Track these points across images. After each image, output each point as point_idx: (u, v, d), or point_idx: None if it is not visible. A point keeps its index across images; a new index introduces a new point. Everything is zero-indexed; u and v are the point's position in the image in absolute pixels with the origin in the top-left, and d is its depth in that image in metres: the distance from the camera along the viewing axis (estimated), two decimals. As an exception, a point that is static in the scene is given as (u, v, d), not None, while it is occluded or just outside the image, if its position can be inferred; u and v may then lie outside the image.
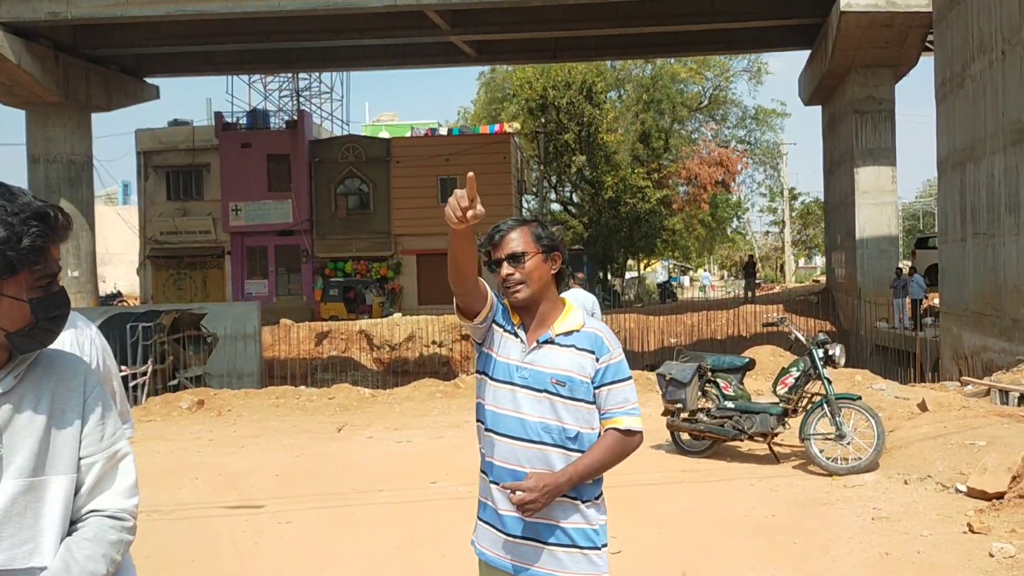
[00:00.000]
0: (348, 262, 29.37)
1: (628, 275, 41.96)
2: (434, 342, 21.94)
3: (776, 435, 6.45)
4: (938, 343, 14.01)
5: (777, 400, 6.45)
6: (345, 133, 32.68)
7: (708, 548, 4.55)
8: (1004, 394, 7.76)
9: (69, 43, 22.39)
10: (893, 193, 21.02)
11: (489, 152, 28.64)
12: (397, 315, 24.55)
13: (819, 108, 25.33)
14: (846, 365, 7.63)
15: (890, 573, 4.09)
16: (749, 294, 28.77)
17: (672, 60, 33.35)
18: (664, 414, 6.74)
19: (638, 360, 18.54)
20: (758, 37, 24.82)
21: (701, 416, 6.54)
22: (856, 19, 17.73)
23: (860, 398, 6.35)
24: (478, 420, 2.17)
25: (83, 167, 23.59)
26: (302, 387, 11.34)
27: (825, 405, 6.06)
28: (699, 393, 6.59)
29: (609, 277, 37.23)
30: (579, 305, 2.25)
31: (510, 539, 2.08)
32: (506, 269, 2.09)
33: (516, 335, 2.12)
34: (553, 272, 2.14)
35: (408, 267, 29.28)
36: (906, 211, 50.62)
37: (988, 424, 6.29)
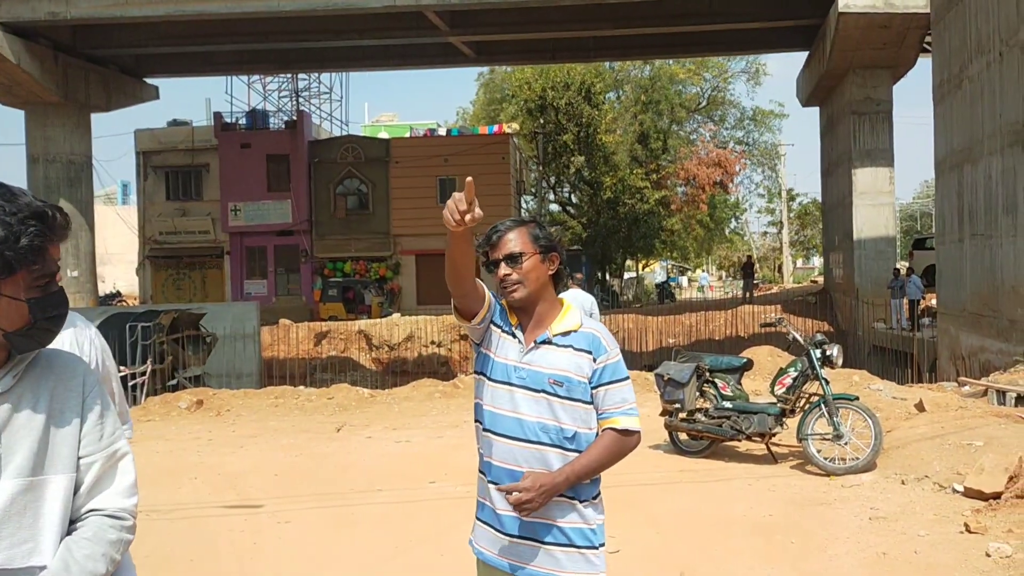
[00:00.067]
0: (347, 262, 29.38)
1: (626, 275, 41.99)
2: (433, 342, 21.95)
3: (774, 435, 6.47)
4: (935, 344, 14.03)
5: (775, 400, 6.46)
6: (344, 133, 32.68)
7: (706, 548, 4.56)
8: (1001, 394, 7.78)
9: (68, 43, 22.39)
10: (891, 194, 21.06)
11: (488, 153, 28.66)
12: (396, 315, 24.56)
13: (817, 109, 25.36)
14: (844, 365, 7.64)
15: (887, 573, 4.10)
16: (747, 295, 28.80)
17: (670, 61, 33.37)
18: (662, 414, 6.76)
19: (636, 360, 18.55)
20: (756, 38, 24.85)
21: (699, 416, 6.55)
22: (854, 20, 17.75)
23: (858, 398, 6.37)
24: (476, 420, 2.18)
25: (82, 167, 23.59)
26: (301, 387, 11.35)
27: (823, 405, 6.07)
28: (697, 393, 6.61)
29: (607, 277, 37.26)
30: (578, 305, 2.26)
31: (508, 538, 2.08)
32: (503, 269, 2.10)
33: (514, 335, 2.13)
34: (551, 272, 2.15)
35: (407, 267, 29.29)
36: (904, 212, 50.69)
37: (985, 424, 6.31)
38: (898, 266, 20.10)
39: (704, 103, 37.67)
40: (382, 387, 12.64)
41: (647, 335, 22.10)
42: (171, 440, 8.00)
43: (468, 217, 1.86)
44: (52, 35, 21.62)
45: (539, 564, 2.06)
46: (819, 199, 32.38)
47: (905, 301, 17.44)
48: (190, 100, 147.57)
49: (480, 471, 2.18)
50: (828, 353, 6.29)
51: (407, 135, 32.88)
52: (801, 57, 24.54)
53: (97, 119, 26.31)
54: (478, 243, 2.11)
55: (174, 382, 12.85)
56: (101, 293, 28.32)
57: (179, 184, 30.41)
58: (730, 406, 6.47)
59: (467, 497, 4.23)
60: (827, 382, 6.20)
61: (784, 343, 8.17)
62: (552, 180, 36.30)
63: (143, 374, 12.14)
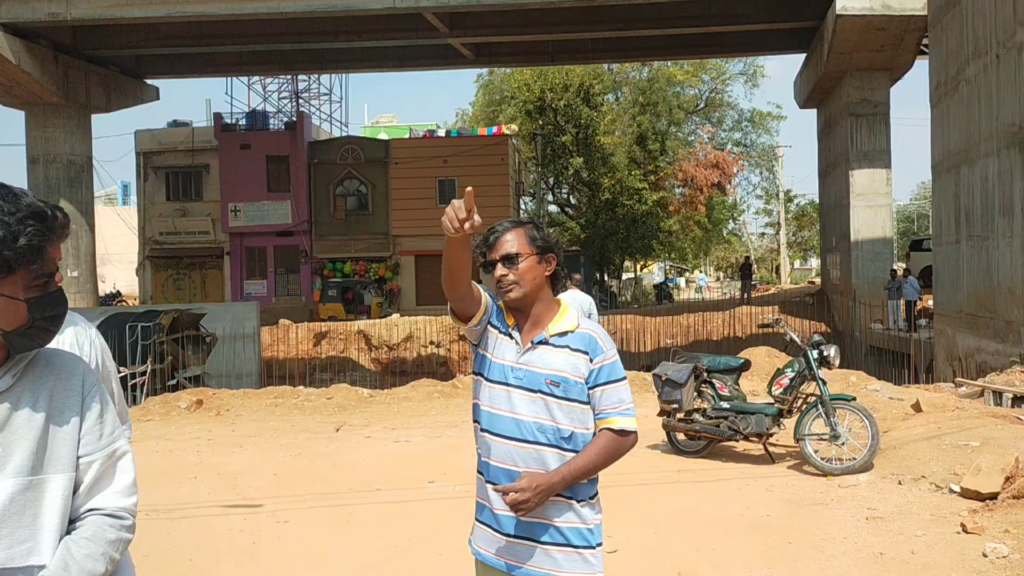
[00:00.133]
0: (347, 263, 29.39)
1: (625, 276, 42.01)
2: (432, 342, 21.96)
3: (771, 435, 6.49)
4: (932, 345, 14.06)
5: (772, 401, 6.48)
6: (344, 134, 32.71)
7: (703, 548, 4.57)
8: (998, 395, 7.81)
9: (69, 44, 22.39)
10: (888, 195, 21.10)
11: (487, 154, 28.69)
12: (395, 315, 24.57)
13: (815, 111, 25.40)
14: (841, 366, 7.67)
15: (884, 573, 4.12)
16: (745, 295, 28.82)
17: (669, 63, 33.41)
18: (660, 414, 6.77)
19: (635, 361, 18.57)
20: (754, 40, 24.89)
21: (697, 416, 6.57)
22: (852, 22, 17.79)
23: (855, 399, 6.39)
24: (475, 421, 2.19)
25: (83, 168, 23.59)
26: (300, 387, 11.36)
27: (820, 406, 6.09)
28: (695, 394, 6.62)
29: (606, 278, 37.27)
30: (576, 306, 2.29)
31: (505, 538, 2.09)
32: (500, 270, 2.12)
33: (511, 336, 2.14)
34: (547, 274, 2.16)
35: (406, 268, 29.31)
36: (901, 213, 50.73)
37: (982, 425, 6.33)
38: (895, 267, 20.14)
39: (702, 105, 37.72)
40: (381, 387, 12.64)
41: (645, 336, 22.13)
42: (171, 440, 8.01)
43: (467, 225, 1.89)
44: (52, 36, 21.63)
45: (536, 564, 2.07)
46: (816, 200, 32.42)
47: (902, 302, 17.48)
48: (190, 101, 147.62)
49: (478, 471, 2.19)
50: (825, 354, 6.31)
51: (406, 136, 32.90)
52: (799, 59, 24.59)
53: (97, 120, 26.35)
54: (476, 243, 2.12)
55: (174, 382, 12.86)
56: (101, 293, 28.32)
57: (179, 185, 30.42)
58: (728, 406, 6.49)
59: (466, 497, 4.25)
60: (824, 383, 6.22)
61: (782, 344, 8.19)
62: (551, 181, 36.33)
63: (143, 374, 12.15)
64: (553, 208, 38.16)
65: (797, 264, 58.71)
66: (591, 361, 2.10)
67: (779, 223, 45.25)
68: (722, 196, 38.64)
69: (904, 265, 21.81)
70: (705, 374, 6.67)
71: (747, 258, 36.06)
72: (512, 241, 2.12)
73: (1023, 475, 4.92)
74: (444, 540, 4.64)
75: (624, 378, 2.15)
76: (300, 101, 32.26)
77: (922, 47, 18.37)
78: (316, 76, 32.25)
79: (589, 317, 6.66)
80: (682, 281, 51.73)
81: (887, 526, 4.74)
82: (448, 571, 4.22)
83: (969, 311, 11.70)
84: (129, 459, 1.58)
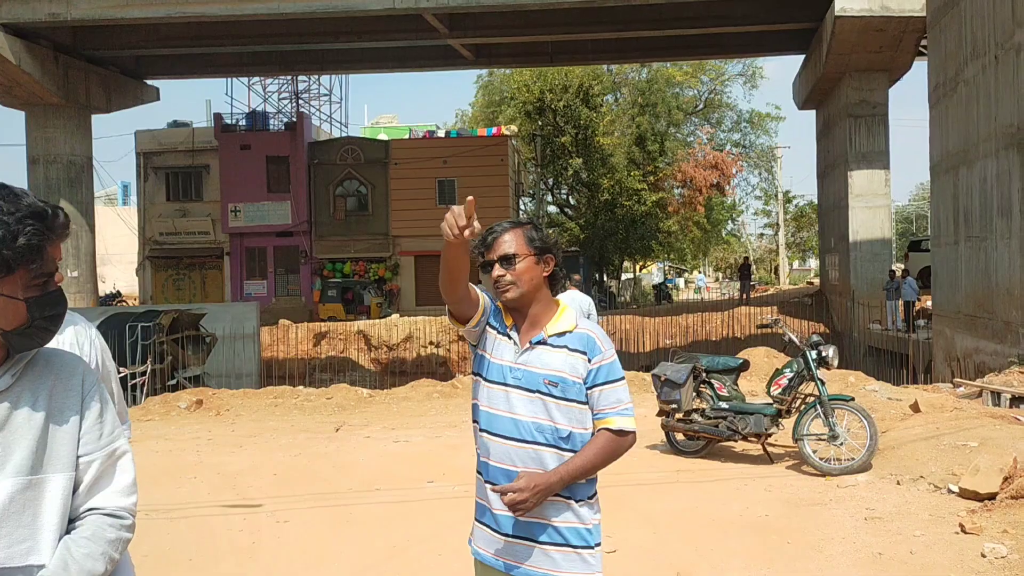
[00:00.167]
0: (346, 263, 29.41)
1: (624, 277, 42.02)
2: (432, 343, 21.97)
3: (770, 436, 6.50)
4: (931, 345, 14.07)
5: (771, 401, 6.49)
6: (344, 135, 32.72)
7: (702, 548, 4.58)
8: (996, 396, 7.82)
9: (69, 44, 22.40)
10: (886, 196, 21.12)
11: (487, 154, 28.71)
12: (395, 316, 24.58)
13: (813, 112, 25.42)
14: (839, 367, 7.67)
15: (883, 573, 4.12)
16: (744, 296, 28.84)
17: (668, 64, 33.44)
18: (659, 414, 6.78)
19: (634, 361, 18.58)
20: (753, 41, 24.92)
21: (696, 417, 6.58)
22: (850, 24, 17.81)
23: (853, 399, 6.39)
24: (474, 421, 2.20)
25: (83, 168, 23.60)
26: (300, 387, 11.37)
27: (818, 406, 6.10)
28: (694, 394, 6.63)
29: (605, 279, 37.29)
30: (575, 307, 2.30)
31: (503, 538, 2.10)
32: (497, 270, 2.12)
33: (509, 336, 2.15)
34: (545, 274, 2.16)
35: (406, 268, 29.32)
36: (899, 214, 50.73)
37: (980, 425, 6.34)
38: (894, 268, 20.15)
39: (701, 106, 37.75)
40: (381, 387, 12.66)
41: (644, 336, 22.14)
42: (170, 440, 8.02)
43: (467, 232, 1.91)
44: (53, 36, 21.64)
45: (534, 564, 2.07)
46: (815, 201, 32.45)
47: (900, 303, 17.49)
48: (190, 101, 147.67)
49: (477, 471, 2.19)
50: (824, 354, 6.32)
51: (406, 137, 32.93)
52: (798, 60, 24.60)
53: (97, 120, 26.36)
54: (475, 244, 2.13)
55: (174, 382, 12.87)
56: (101, 293, 28.33)
57: (179, 185, 30.44)
58: (726, 406, 6.50)
59: (465, 497, 4.26)
60: (823, 383, 6.23)
61: (780, 344, 8.20)
62: (550, 182, 36.35)
63: (143, 374, 12.16)
64: (552, 209, 38.19)
65: (796, 265, 58.74)
66: (589, 361, 2.11)
67: (778, 224, 45.29)
68: (721, 197, 38.67)
69: (903, 266, 21.82)
70: (704, 374, 6.68)
71: (746, 259, 36.09)
72: (510, 242, 2.13)
73: (1021, 475, 4.93)
74: (443, 540, 4.64)
75: (622, 378, 2.16)
76: (300, 102, 32.28)
77: (921, 48, 18.40)
78: (316, 77, 32.28)
79: (588, 318, 6.68)
80: (681, 282, 51.75)
81: (886, 526, 4.75)
82: (447, 571, 4.23)
83: (967, 312, 11.72)
84: (129, 458, 1.58)
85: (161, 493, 5.82)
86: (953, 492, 5.16)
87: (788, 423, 6.43)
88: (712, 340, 21.94)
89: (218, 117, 29.86)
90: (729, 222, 45.65)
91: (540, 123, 33.65)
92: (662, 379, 6.58)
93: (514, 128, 32.43)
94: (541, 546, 2.08)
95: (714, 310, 24.37)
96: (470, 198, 1.90)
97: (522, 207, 34.08)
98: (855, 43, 18.70)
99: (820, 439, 6.07)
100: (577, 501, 2.10)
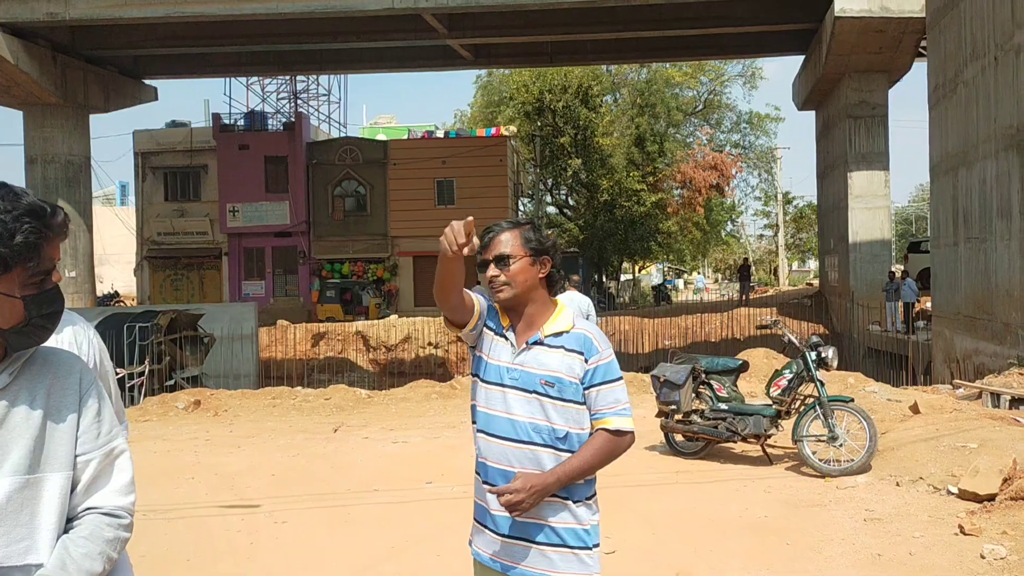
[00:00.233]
0: (345, 263, 29.39)
1: (623, 278, 42.03)
2: (430, 343, 21.96)
3: (769, 437, 6.49)
4: (930, 346, 14.08)
5: (770, 402, 6.49)
6: (342, 135, 32.70)
7: (701, 549, 4.58)
8: (995, 397, 7.82)
9: (67, 44, 22.38)
10: (886, 197, 21.14)
11: (486, 155, 28.70)
12: (393, 316, 24.57)
13: (813, 113, 25.45)
14: (839, 368, 7.66)
15: (882, 574, 4.12)
16: (743, 297, 28.86)
17: (667, 64, 33.46)
18: (658, 415, 6.77)
19: (633, 362, 18.58)
20: (753, 42, 24.94)
21: (695, 418, 6.57)
22: (850, 24, 17.82)
23: (853, 400, 6.40)
24: (473, 422, 2.20)
25: (81, 168, 23.58)
26: (298, 388, 11.36)
27: (818, 407, 6.10)
28: (693, 395, 6.63)
29: (604, 279, 37.30)
30: (574, 307, 2.29)
31: (501, 539, 2.10)
32: (492, 271, 2.13)
33: (506, 337, 2.15)
34: (542, 276, 2.16)
35: (404, 269, 29.30)
36: (899, 215, 50.81)
37: (980, 427, 6.34)
38: (893, 269, 20.17)
39: (700, 106, 37.77)
40: (379, 388, 12.65)
41: (643, 337, 22.14)
42: (168, 440, 8.01)
43: (466, 250, 1.94)
44: (51, 36, 21.62)
45: (531, 564, 2.07)
46: (815, 202, 32.47)
47: (900, 304, 17.51)
48: (189, 101, 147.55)
49: (476, 472, 2.19)
50: (823, 355, 6.32)
51: (405, 137, 32.91)
52: (797, 61, 24.62)
53: (95, 120, 26.39)
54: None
55: (172, 382, 12.86)
56: (99, 293, 28.32)
57: (177, 185, 30.41)
58: (726, 408, 6.49)
59: (464, 498, 4.25)
60: (822, 384, 6.23)
61: (780, 345, 8.19)
62: (549, 182, 36.36)
63: (141, 375, 12.14)
64: (551, 209, 38.19)
65: (795, 266, 58.79)
66: (586, 361, 2.10)
67: (777, 225, 45.32)
68: (720, 198, 38.68)
69: (902, 267, 21.85)
70: (703, 375, 6.67)
71: (745, 260, 36.13)
72: (506, 242, 2.13)
73: (1021, 476, 4.93)
74: (442, 541, 4.64)
75: (620, 378, 2.15)
76: (299, 102, 32.26)
77: (920, 49, 18.42)
78: (315, 77, 32.26)
79: (587, 318, 6.67)
80: (680, 283, 51.79)
81: (885, 527, 4.74)
82: (446, 572, 4.22)
83: (967, 313, 11.72)
84: (127, 458, 1.58)
85: (159, 493, 5.81)
86: (952, 493, 5.16)
87: (787, 424, 6.43)
88: (711, 341, 21.95)
89: (216, 117, 29.84)
90: (728, 223, 45.68)
91: (539, 123, 33.65)
92: (661, 380, 6.58)
93: (513, 128, 32.43)
94: (538, 546, 2.07)
95: (713, 311, 24.38)
96: (470, 218, 1.93)
97: (521, 208, 34.07)
98: (855, 44, 18.71)
99: (819, 440, 6.07)
100: (575, 502, 2.10)
